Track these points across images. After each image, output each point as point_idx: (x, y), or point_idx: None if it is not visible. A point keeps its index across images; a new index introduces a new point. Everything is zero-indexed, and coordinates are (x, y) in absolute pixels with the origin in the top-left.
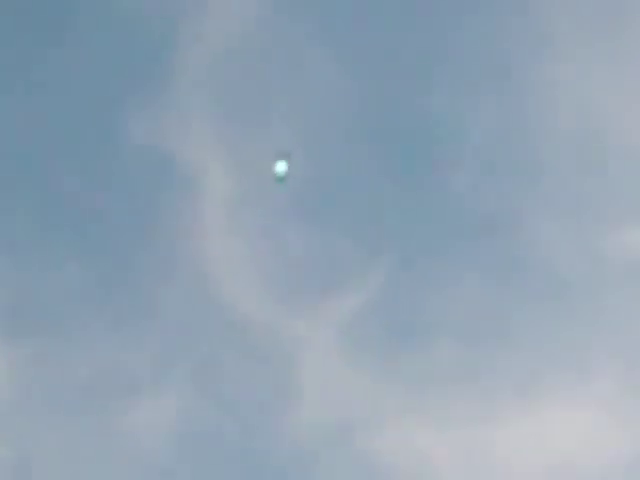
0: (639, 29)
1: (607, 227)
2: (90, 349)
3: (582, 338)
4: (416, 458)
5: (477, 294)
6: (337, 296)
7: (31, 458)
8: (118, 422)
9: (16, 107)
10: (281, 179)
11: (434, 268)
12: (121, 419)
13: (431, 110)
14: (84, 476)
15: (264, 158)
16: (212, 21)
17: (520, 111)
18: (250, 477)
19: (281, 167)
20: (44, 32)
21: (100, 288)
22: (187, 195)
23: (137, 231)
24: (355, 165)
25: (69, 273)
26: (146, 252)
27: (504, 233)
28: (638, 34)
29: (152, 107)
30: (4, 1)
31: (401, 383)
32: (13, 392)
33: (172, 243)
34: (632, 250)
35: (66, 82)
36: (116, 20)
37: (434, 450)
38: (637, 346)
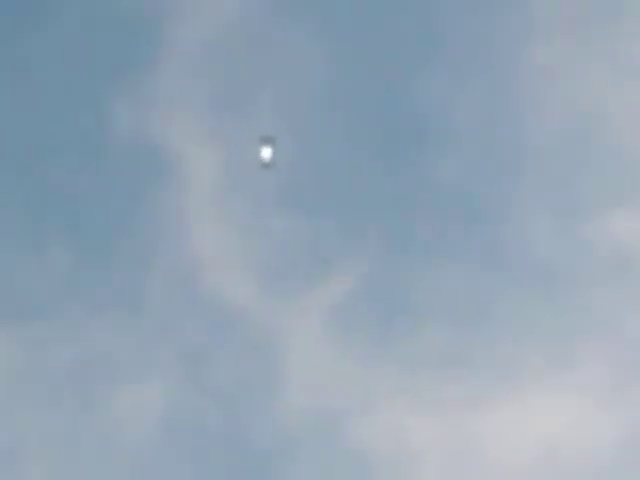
0: (630, 21)
1: (591, 214)
2: (74, 335)
3: (568, 324)
4: (403, 443)
5: (463, 280)
6: (324, 282)
7: (12, 444)
8: (102, 408)
9: None
10: (267, 166)
11: (420, 254)
12: (105, 405)
13: (418, 99)
14: (67, 462)
15: (250, 145)
16: (198, 10)
17: (507, 100)
18: (236, 463)
19: (267, 154)
20: (25, 21)
21: (85, 275)
22: (172, 182)
23: (122, 217)
24: (341, 152)
25: (53, 259)
26: (131, 238)
27: (490, 219)
28: (629, 26)
29: (137, 95)
30: None
31: (388, 368)
32: None
33: (157, 229)
34: (616, 237)
35: (50, 70)
36: (101, 8)
37: (421, 435)
38: (621, 332)
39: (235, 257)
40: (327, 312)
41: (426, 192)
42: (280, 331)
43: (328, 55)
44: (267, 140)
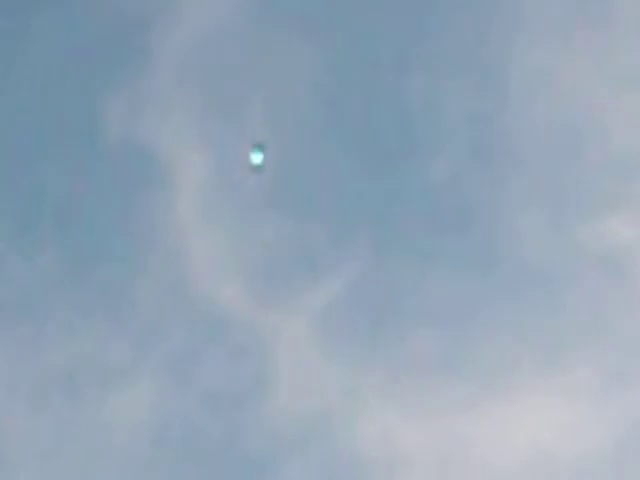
0: (620, 22)
1: (582, 217)
2: (64, 339)
3: (558, 327)
4: (393, 446)
5: (452, 283)
6: (313, 285)
7: (2, 447)
8: (92, 412)
9: None
10: (257, 169)
11: (410, 257)
12: (95, 409)
13: (406, 101)
14: (55, 467)
15: (240, 149)
16: (189, 13)
17: (497, 102)
18: (226, 467)
19: (257, 157)
20: (15, 20)
21: (73, 277)
22: (162, 185)
23: (112, 220)
24: (331, 156)
25: (42, 261)
26: (121, 241)
27: (480, 223)
28: (618, 27)
29: (128, 97)
30: None
31: (378, 372)
32: None
33: (147, 232)
34: (607, 240)
35: (40, 73)
36: (92, 10)
37: (411, 438)
38: (612, 335)
39: (225, 261)
40: (316, 316)
41: (416, 195)
42: (269, 335)
43: (318, 59)
44: (257, 144)
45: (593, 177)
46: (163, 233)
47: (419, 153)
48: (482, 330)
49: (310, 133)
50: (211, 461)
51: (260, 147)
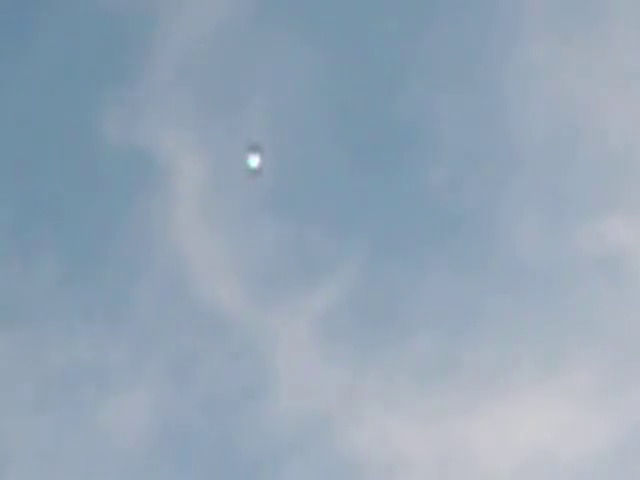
0: (618, 21)
1: (580, 218)
2: (62, 344)
3: (557, 329)
4: (392, 450)
5: (451, 286)
6: (312, 288)
7: (0, 450)
8: (91, 417)
9: None
10: (254, 172)
11: (408, 260)
12: (94, 414)
13: (404, 104)
14: (52, 471)
15: (238, 152)
16: (186, 16)
17: (494, 104)
18: (225, 470)
19: (254, 160)
20: (11, 25)
21: (72, 282)
22: (160, 189)
23: (110, 223)
24: (330, 159)
25: (40, 266)
26: (120, 246)
27: (478, 225)
28: (616, 26)
29: (125, 101)
30: None
31: (377, 374)
32: None
33: (146, 237)
34: (606, 241)
35: (35, 78)
36: (88, 14)
37: (411, 441)
38: (611, 336)
39: (224, 263)
40: (315, 318)
41: (414, 197)
42: (268, 337)
43: (318, 62)
44: (255, 147)
45: (592, 178)
46: (162, 236)
47: (418, 155)
48: (481, 332)
49: (309, 136)
50: (210, 463)
51: (258, 151)
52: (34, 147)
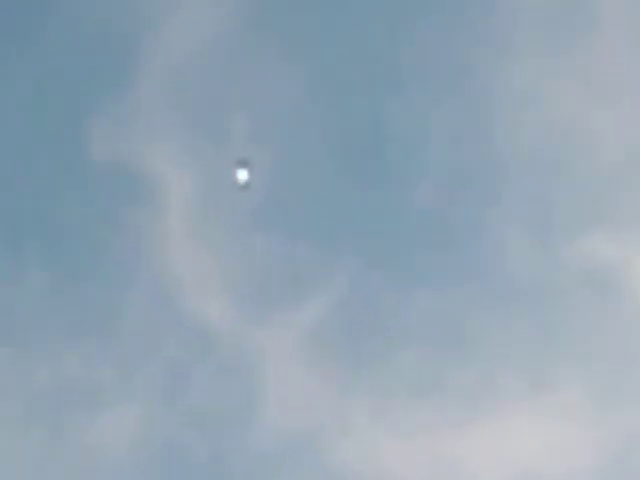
0: (605, 35)
1: (567, 234)
2: (51, 359)
3: (544, 345)
4: (380, 465)
5: (440, 302)
6: (300, 304)
7: None
8: (79, 432)
9: None
10: (243, 187)
11: (396, 276)
12: (82, 429)
13: (392, 121)
14: None
15: (226, 167)
16: (175, 32)
17: (481, 119)
18: None
19: (243, 175)
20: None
21: (61, 296)
22: (149, 204)
23: (98, 240)
24: (317, 174)
25: (29, 281)
26: (109, 262)
27: (465, 241)
28: (604, 42)
29: (113, 116)
30: None
31: (365, 390)
32: None
33: (135, 252)
34: (593, 256)
35: (24, 93)
36: (77, 29)
37: (399, 457)
38: (597, 353)
39: (214, 280)
40: (304, 333)
41: (400, 216)
42: (257, 353)
43: (304, 77)
44: (243, 162)
45: (579, 194)
46: (150, 252)
47: (406, 171)
48: (468, 348)
49: (297, 152)
50: (199, 478)
51: (246, 166)
52: (22, 162)
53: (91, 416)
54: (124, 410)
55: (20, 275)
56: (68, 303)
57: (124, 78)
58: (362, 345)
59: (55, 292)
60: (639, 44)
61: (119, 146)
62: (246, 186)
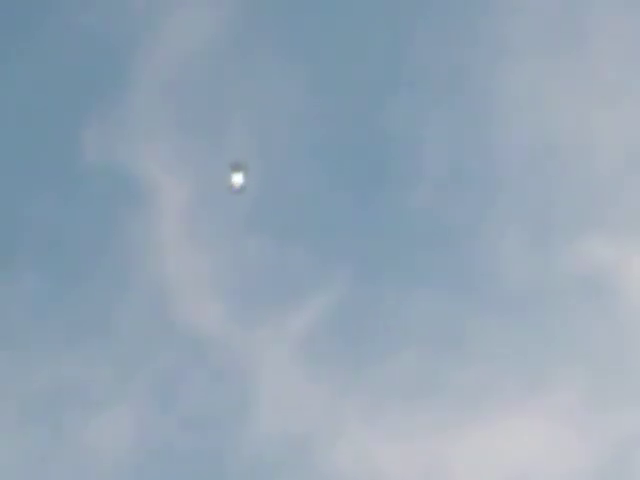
0: (601, 39)
1: (564, 239)
2: (46, 362)
3: (540, 349)
4: (375, 469)
5: (434, 306)
6: (295, 308)
7: None
8: (74, 436)
9: None
10: (237, 192)
11: (391, 280)
12: (77, 433)
13: (388, 125)
14: None
15: (220, 171)
16: (168, 37)
17: (477, 124)
18: None
19: (237, 179)
20: None
21: (55, 302)
22: (143, 209)
23: (92, 244)
24: (312, 178)
25: (23, 287)
26: (102, 267)
27: (461, 246)
28: (600, 45)
29: (105, 121)
30: None
31: (359, 394)
32: None
33: (128, 257)
34: (589, 261)
35: (16, 99)
36: (70, 36)
37: (393, 461)
38: (594, 356)
39: (206, 285)
40: (298, 337)
41: (397, 218)
42: (251, 357)
43: (301, 81)
44: (237, 166)
45: (575, 197)
46: (144, 256)
47: (402, 174)
48: (464, 351)
49: (292, 155)
50: None
51: (241, 170)
52: (15, 166)
53: (86, 420)
54: (119, 414)
55: (15, 279)
56: (62, 307)
57: (118, 82)
58: (357, 348)
59: (50, 296)
60: (638, 44)
61: (113, 150)
62: (241, 189)
